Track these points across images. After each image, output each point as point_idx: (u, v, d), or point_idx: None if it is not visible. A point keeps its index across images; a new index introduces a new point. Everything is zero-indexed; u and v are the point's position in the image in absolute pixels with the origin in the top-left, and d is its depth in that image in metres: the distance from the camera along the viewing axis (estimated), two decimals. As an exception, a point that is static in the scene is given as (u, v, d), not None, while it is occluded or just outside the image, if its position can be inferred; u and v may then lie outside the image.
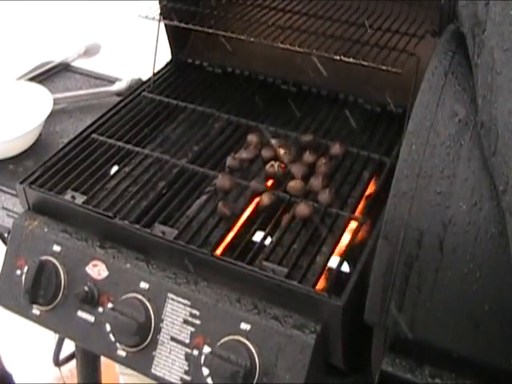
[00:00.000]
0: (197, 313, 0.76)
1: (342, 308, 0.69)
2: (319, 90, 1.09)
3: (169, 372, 0.76)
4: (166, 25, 1.11)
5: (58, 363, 1.31)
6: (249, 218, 0.84)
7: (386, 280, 0.62)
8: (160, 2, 1.07)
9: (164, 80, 1.14)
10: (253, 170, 0.93)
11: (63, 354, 1.31)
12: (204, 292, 0.77)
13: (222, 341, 0.73)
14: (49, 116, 1.07)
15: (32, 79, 1.25)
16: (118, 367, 1.34)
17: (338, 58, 0.91)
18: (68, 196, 0.88)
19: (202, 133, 1.00)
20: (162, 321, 0.77)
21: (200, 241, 0.79)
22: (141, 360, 0.78)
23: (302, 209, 0.82)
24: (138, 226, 0.81)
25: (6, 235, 1.12)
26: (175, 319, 0.77)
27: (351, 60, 0.91)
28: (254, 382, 0.71)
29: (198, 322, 0.76)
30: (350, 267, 0.79)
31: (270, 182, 0.90)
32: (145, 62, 1.12)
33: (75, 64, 1.35)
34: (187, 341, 0.76)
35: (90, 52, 1.39)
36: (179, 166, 0.92)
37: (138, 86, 1.12)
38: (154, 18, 1.06)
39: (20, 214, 0.90)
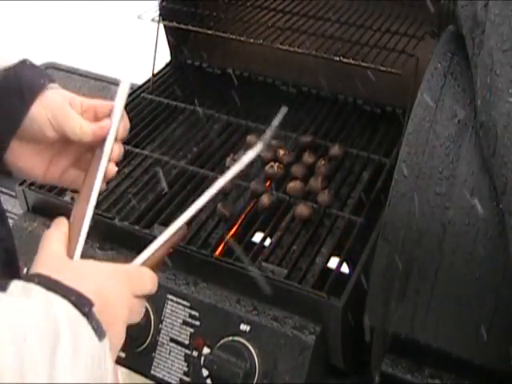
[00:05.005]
0: (196, 314, 0.76)
1: (341, 309, 0.69)
2: (319, 91, 1.09)
3: (168, 373, 0.76)
4: (165, 26, 1.11)
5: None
6: (248, 218, 0.84)
7: (386, 281, 0.62)
8: (159, 4, 1.07)
9: (163, 81, 1.14)
10: (252, 171, 0.93)
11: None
12: (203, 293, 0.77)
13: (222, 342, 0.73)
14: (48, 117, 1.06)
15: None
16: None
17: (337, 59, 0.92)
18: (67, 197, 0.87)
19: (201, 134, 1.00)
20: (162, 322, 0.77)
21: (200, 242, 0.79)
22: (140, 361, 0.78)
23: (302, 210, 0.82)
24: (137, 228, 0.81)
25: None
26: (175, 320, 0.77)
27: (351, 61, 0.91)
28: (254, 382, 0.71)
29: (197, 323, 0.75)
30: (349, 268, 0.79)
31: (269, 183, 0.90)
32: (144, 63, 1.12)
33: (74, 65, 1.35)
34: (187, 342, 0.76)
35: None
36: (179, 166, 0.92)
37: (137, 88, 1.12)
38: (153, 20, 1.06)
39: (19, 215, 0.90)
